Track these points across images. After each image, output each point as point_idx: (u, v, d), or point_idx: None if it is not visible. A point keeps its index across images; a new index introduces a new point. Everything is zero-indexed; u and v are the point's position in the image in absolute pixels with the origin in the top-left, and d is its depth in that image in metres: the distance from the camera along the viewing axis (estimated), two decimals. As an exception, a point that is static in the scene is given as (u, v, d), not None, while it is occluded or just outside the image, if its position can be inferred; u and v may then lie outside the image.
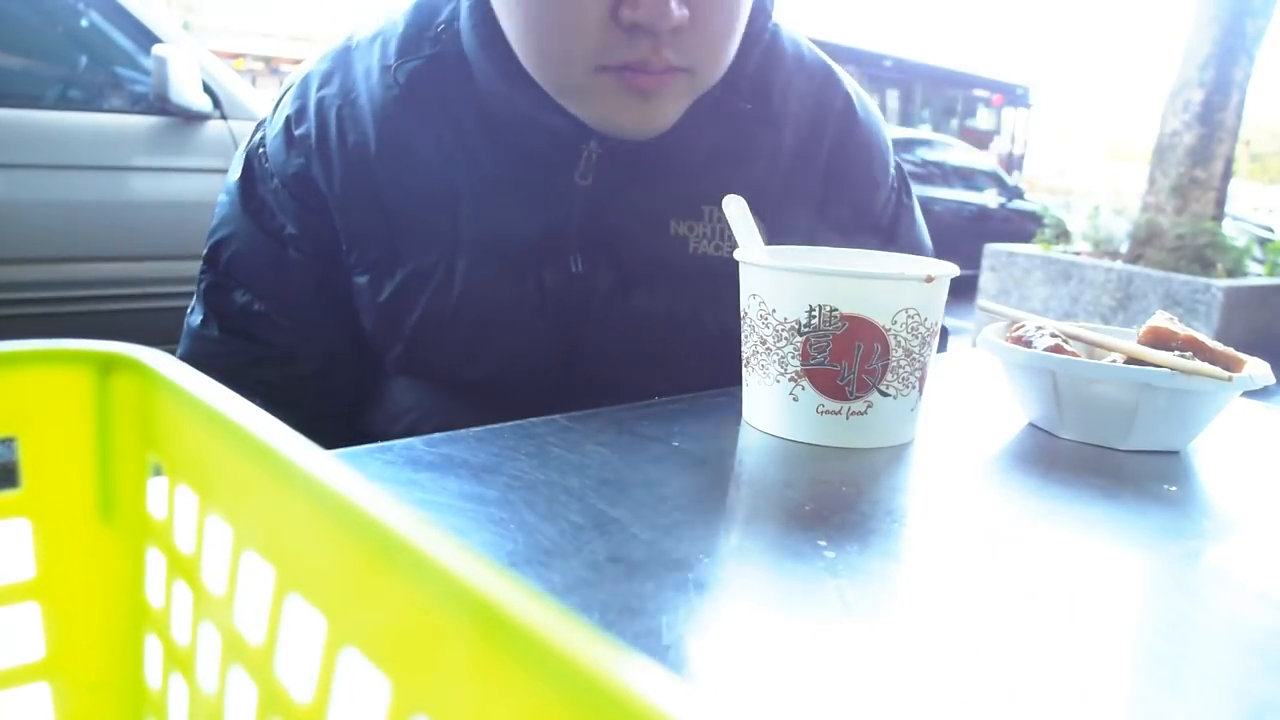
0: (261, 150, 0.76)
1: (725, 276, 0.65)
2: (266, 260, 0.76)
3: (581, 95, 0.67)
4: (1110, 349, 0.66)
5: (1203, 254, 5.30)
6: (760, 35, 0.74)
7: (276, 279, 0.76)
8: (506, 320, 0.72)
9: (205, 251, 0.78)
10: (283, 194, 0.75)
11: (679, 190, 0.73)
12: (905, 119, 14.74)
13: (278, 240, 0.76)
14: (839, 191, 0.80)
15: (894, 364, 0.57)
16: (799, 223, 0.76)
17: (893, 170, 0.85)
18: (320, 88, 0.74)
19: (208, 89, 2.62)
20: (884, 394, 0.58)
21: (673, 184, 0.73)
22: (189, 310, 0.80)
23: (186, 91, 2.53)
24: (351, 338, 0.78)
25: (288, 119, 0.74)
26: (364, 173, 0.72)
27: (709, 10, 0.64)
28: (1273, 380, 0.61)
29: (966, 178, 8.16)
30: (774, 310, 0.58)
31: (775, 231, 0.72)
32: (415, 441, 0.53)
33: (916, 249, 0.86)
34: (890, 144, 0.86)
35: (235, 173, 0.78)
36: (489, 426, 0.57)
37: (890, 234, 0.84)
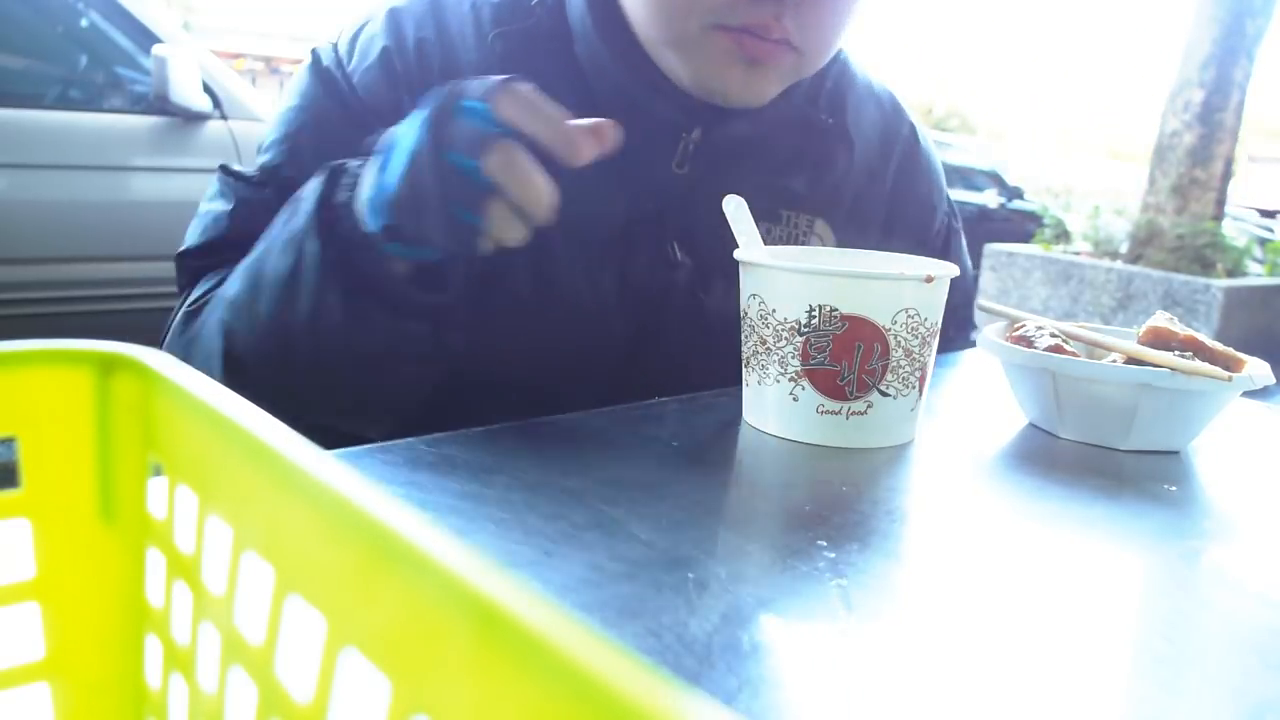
0: (342, 73, 0.71)
1: None
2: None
3: (690, 50, 0.66)
4: (1110, 349, 0.66)
5: (1203, 254, 5.30)
6: (836, 58, 0.76)
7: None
8: (581, 312, 0.71)
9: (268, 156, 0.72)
10: (374, 123, 0.68)
11: (761, 190, 0.73)
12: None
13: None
14: (902, 211, 0.84)
15: (894, 364, 0.57)
16: (866, 237, 0.79)
17: (947, 196, 0.91)
18: (418, 29, 0.71)
19: (208, 89, 2.62)
20: (884, 394, 0.58)
21: (757, 183, 0.73)
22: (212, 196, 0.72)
23: (186, 91, 2.53)
24: None
25: (386, 50, 0.70)
26: None
27: None
28: (1273, 380, 0.61)
29: (966, 178, 8.16)
30: (774, 310, 0.58)
31: (843, 244, 0.76)
32: (415, 441, 0.53)
33: (963, 269, 0.91)
34: (943, 173, 0.92)
35: (301, 80, 0.72)
36: (489, 427, 0.57)
37: (943, 254, 0.89)
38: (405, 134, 0.55)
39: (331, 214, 0.58)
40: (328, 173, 0.60)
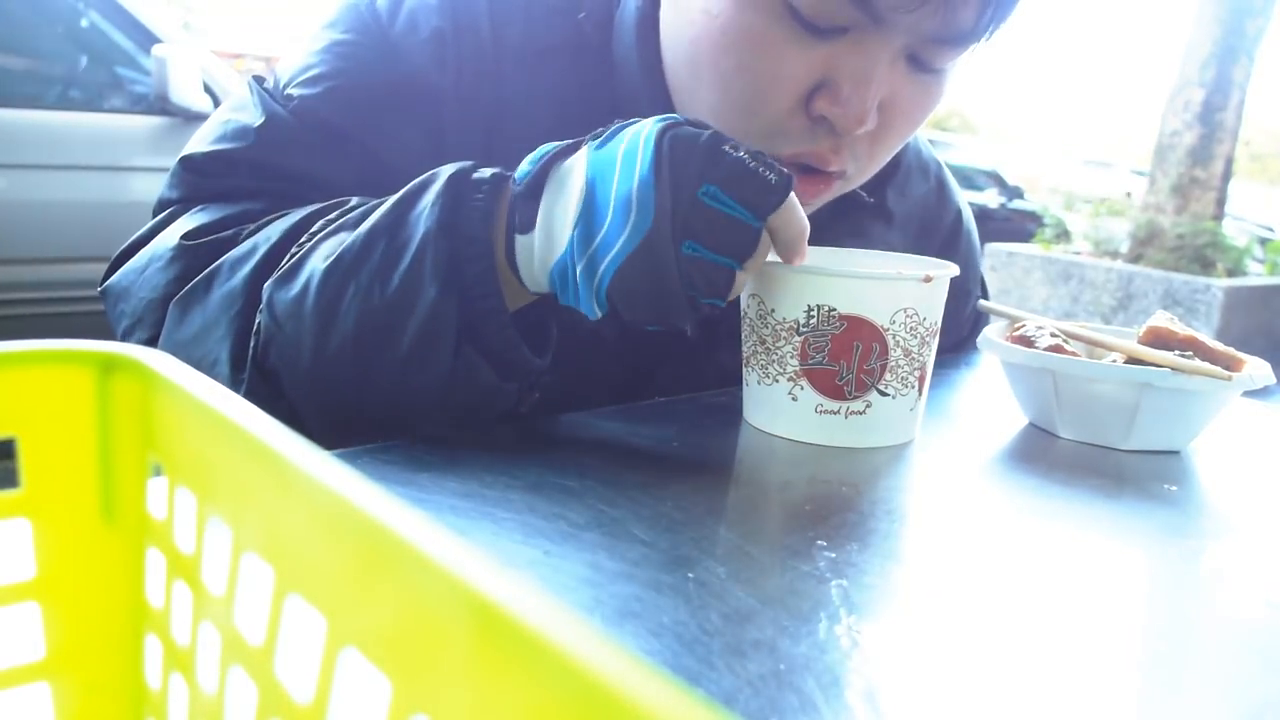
0: (381, 33, 0.66)
1: None
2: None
3: None
4: (1110, 349, 0.66)
5: (1203, 254, 5.30)
6: None
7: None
8: (572, 339, 0.63)
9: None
10: (418, 103, 0.66)
11: None
12: None
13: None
14: None
15: (893, 364, 0.57)
16: None
17: (982, 280, 0.92)
18: (474, 17, 0.66)
19: (208, 89, 2.62)
20: (883, 394, 0.58)
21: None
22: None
23: (186, 91, 2.54)
24: None
25: (439, 32, 0.65)
26: (483, 139, 0.66)
27: (894, 124, 0.63)
28: (1273, 380, 0.61)
29: (966, 177, 8.15)
30: (772, 310, 0.58)
31: None
32: (415, 441, 0.53)
33: None
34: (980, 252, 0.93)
35: (341, 13, 0.67)
36: (488, 427, 0.57)
37: (969, 336, 0.90)
38: (610, 180, 0.50)
39: (455, 246, 0.52)
40: (447, 186, 0.53)
